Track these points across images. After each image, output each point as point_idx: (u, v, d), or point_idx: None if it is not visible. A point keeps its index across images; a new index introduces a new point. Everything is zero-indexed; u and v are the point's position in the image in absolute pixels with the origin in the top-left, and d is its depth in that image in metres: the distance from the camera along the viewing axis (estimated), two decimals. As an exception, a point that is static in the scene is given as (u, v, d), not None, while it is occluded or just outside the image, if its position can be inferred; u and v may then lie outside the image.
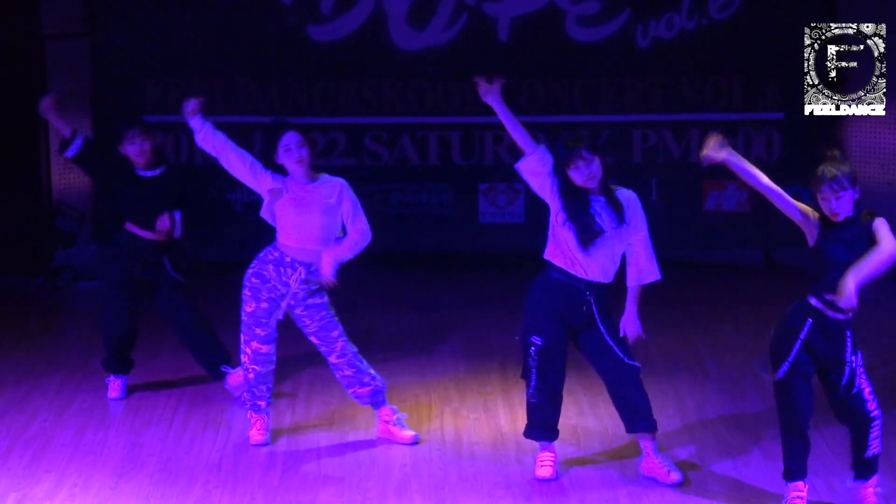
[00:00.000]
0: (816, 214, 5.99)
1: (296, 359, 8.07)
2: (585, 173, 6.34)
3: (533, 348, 6.48)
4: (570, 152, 6.35)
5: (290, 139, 6.85)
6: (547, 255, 6.53)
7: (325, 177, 6.98)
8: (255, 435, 7.10)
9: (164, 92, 10.94)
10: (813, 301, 5.99)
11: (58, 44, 11.09)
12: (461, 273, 11.17)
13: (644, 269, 6.51)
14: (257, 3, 11.01)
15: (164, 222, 7.59)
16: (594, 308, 6.45)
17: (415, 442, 7.07)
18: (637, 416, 6.54)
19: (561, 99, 11.15)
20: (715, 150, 5.96)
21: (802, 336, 5.98)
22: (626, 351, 6.51)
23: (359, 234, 6.96)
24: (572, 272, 6.44)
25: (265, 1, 11.00)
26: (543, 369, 6.48)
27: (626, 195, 6.48)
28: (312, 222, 6.87)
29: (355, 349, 7.10)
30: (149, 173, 7.68)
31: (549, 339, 6.45)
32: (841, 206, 5.90)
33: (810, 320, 5.98)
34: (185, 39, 11.00)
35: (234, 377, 7.76)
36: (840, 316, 5.97)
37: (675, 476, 6.53)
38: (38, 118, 11.23)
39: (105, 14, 11.02)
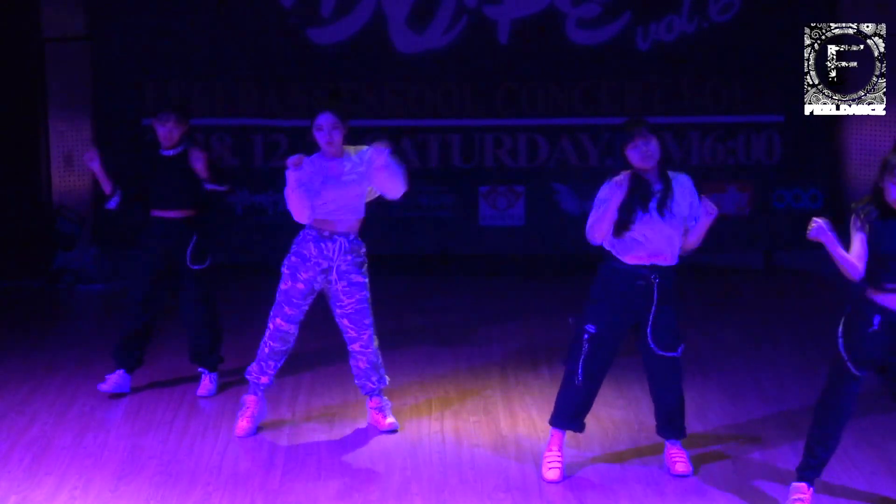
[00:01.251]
0: (865, 218, 5.88)
1: (297, 359, 8.05)
2: (643, 151, 6.38)
3: (586, 335, 6.52)
4: (630, 132, 6.41)
5: (323, 120, 6.98)
6: (607, 245, 6.53)
7: (361, 150, 7.08)
8: (242, 424, 7.14)
9: (165, 95, 10.93)
10: (877, 298, 5.91)
11: (58, 47, 11.10)
12: (461, 276, 11.17)
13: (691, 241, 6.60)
14: (258, 5, 11.01)
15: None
16: (655, 292, 6.45)
17: (393, 430, 7.23)
18: (663, 422, 6.70)
19: (561, 102, 11.14)
20: (817, 233, 5.84)
21: (870, 330, 5.88)
22: (662, 340, 6.51)
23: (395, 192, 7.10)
24: (627, 260, 6.45)
25: (266, 4, 10.99)
26: (590, 357, 6.52)
27: (681, 181, 6.50)
28: (339, 194, 6.99)
29: (377, 344, 7.24)
30: (170, 152, 7.82)
31: (604, 329, 6.50)
32: None
33: (878, 316, 5.90)
34: (186, 43, 11.00)
35: (203, 386, 7.93)
36: None
37: (679, 469, 6.63)
38: (38, 120, 11.29)
39: (105, 17, 11.02)
